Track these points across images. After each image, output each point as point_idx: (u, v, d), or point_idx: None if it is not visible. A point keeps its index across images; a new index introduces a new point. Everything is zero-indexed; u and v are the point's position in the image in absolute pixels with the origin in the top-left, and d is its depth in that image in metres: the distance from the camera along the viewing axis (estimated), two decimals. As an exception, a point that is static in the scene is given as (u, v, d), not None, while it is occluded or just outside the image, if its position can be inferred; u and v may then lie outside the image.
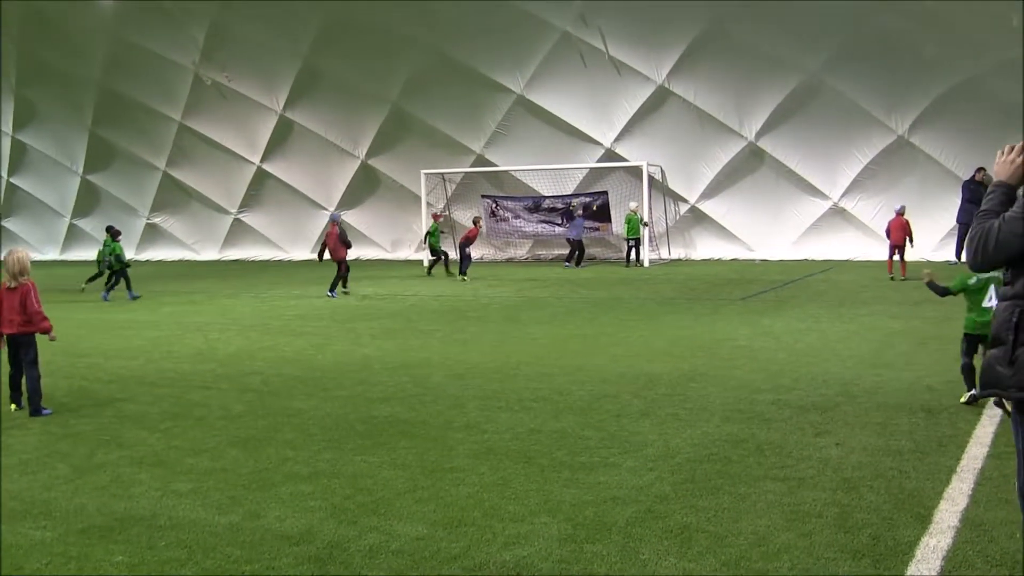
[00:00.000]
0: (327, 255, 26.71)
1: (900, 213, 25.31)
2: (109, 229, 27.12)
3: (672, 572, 6.15)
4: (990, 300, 10.48)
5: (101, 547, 6.96)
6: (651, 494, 7.70)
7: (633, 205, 33.34)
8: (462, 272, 30.17)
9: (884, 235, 26.38)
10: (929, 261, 30.17)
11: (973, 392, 10.58)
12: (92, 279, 28.46)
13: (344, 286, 26.25)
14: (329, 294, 25.63)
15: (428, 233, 32.91)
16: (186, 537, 7.08)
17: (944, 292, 11.16)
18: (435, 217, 34.14)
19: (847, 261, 31.40)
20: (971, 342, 10.70)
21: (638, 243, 33.20)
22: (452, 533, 6.98)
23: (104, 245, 27.53)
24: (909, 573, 6.04)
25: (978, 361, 9.68)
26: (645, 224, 33.11)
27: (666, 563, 6.29)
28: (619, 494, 7.73)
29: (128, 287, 26.55)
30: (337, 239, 26.29)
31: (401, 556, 6.58)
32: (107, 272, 26.91)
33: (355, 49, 36.17)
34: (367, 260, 39.68)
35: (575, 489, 7.91)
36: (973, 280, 10.56)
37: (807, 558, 6.29)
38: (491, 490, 7.97)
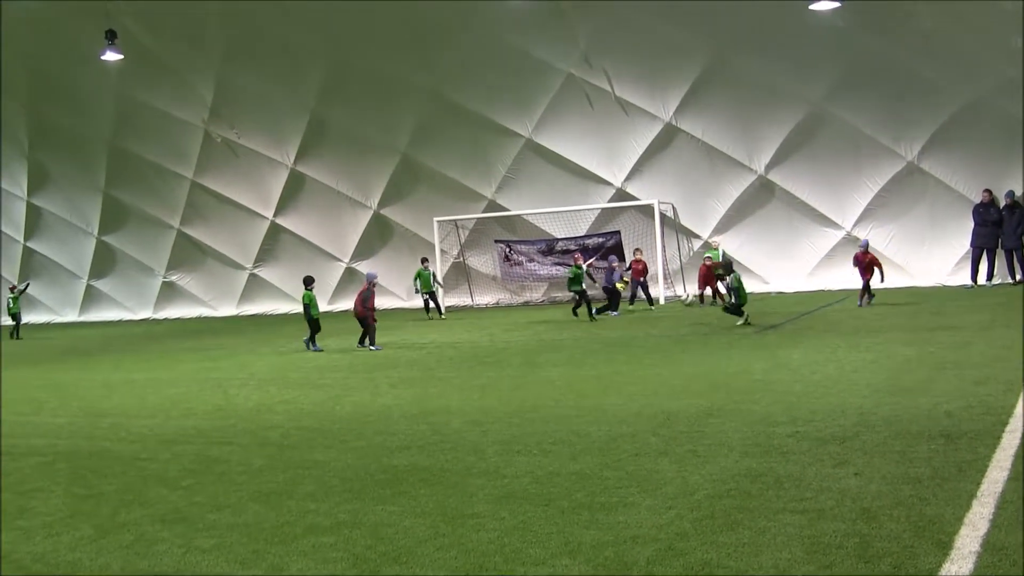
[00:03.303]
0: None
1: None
2: (305, 279, 26.88)
3: (694, 609, 6.17)
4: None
5: (126, 606, 7.00)
6: (671, 532, 7.71)
7: (714, 240, 33.17)
8: (649, 303, 32.29)
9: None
10: (945, 286, 30.23)
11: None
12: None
13: (362, 342, 25.55)
14: (372, 348, 25.08)
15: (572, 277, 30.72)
16: (210, 593, 7.12)
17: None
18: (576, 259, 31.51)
19: (862, 290, 31.36)
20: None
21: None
22: (474, 579, 7.00)
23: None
24: (931, 600, 6.04)
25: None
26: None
27: (688, 600, 6.31)
28: (639, 533, 7.74)
29: (312, 339, 25.96)
30: (359, 297, 25.92)
31: (424, 604, 6.61)
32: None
33: (361, 100, 36.49)
34: (383, 309, 39.78)
35: (595, 530, 7.92)
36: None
37: (828, 589, 6.30)
38: (512, 534, 7.99)
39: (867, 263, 26.62)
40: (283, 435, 13.49)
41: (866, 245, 27.28)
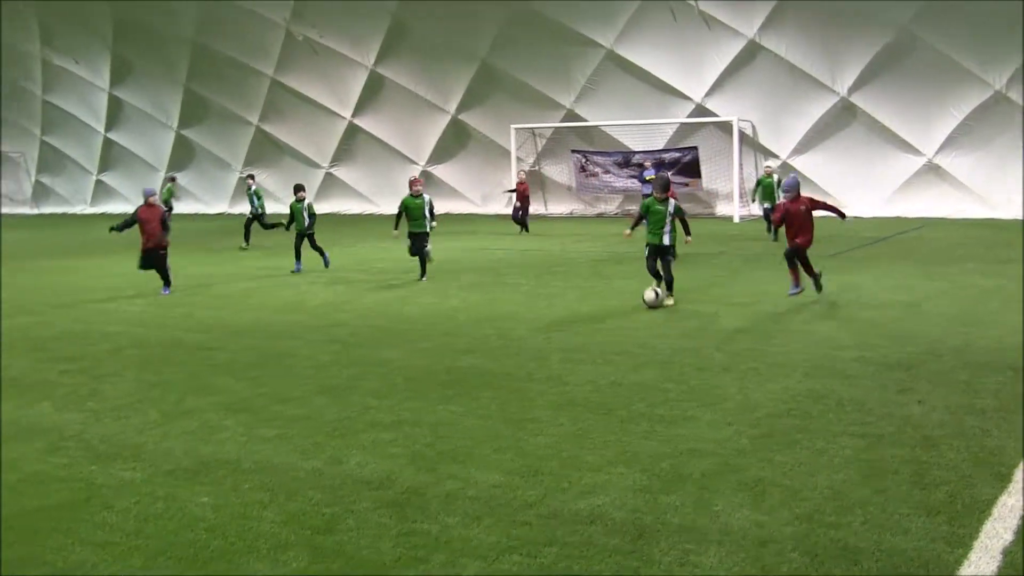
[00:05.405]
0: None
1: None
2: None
3: (744, 524, 6.18)
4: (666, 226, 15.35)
5: (187, 488, 7.15)
6: (728, 447, 7.73)
7: (770, 165, 29.51)
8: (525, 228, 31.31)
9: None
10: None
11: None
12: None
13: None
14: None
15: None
16: (269, 480, 7.25)
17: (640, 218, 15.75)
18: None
19: (941, 219, 30.84)
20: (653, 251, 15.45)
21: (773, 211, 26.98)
22: (529, 481, 7.07)
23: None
24: (984, 531, 5.99)
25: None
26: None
27: (739, 515, 6.32)
28: (696, 447, 7.76)
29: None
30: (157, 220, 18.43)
31: (477, 502, 6.68)
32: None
33: (443, 5, 36.20)
34: (458, 214, 39.88)
35: (653, 441, 7.96)
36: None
37: (880, 514, 6.27)
38: (569, 440, 8.05)
39: (803, 213, 15.56)
40: (350, 332, 13.64)
41: (794, 185, 16.04)
